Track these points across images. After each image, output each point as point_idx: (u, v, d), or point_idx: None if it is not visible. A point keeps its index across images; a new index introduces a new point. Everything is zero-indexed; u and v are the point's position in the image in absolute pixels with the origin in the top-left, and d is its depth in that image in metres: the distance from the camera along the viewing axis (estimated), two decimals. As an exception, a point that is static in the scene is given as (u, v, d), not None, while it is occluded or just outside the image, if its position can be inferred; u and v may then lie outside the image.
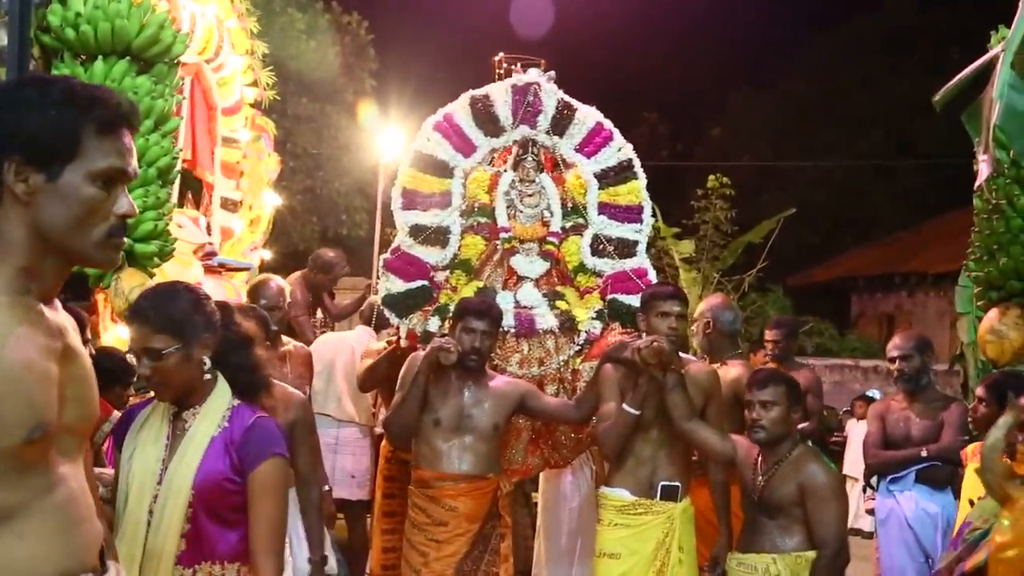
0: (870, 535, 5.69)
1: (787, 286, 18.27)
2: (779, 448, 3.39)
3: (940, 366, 9.38)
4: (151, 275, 4.41)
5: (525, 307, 4.25)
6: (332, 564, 3.40)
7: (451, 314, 3.94)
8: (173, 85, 4.76)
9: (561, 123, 4.48)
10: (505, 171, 4.50)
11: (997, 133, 4.32)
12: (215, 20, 5.61)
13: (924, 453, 4.46)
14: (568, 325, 4.22)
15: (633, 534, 3.63)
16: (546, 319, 4.21)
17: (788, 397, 3.38)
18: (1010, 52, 4.29)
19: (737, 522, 3.69)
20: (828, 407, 11.62)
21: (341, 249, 7.28)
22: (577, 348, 4.21)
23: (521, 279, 4.38)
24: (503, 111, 4.45)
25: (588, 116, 4.52)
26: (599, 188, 4.45)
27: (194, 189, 6.17)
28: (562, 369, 4.20)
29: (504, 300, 4.20)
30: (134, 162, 1.49)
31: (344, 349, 5.22)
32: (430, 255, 4.30)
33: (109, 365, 3.38)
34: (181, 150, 5.18)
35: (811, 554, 3.26)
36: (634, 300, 4.12)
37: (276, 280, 4.50)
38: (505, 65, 4.75)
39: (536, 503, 4.78)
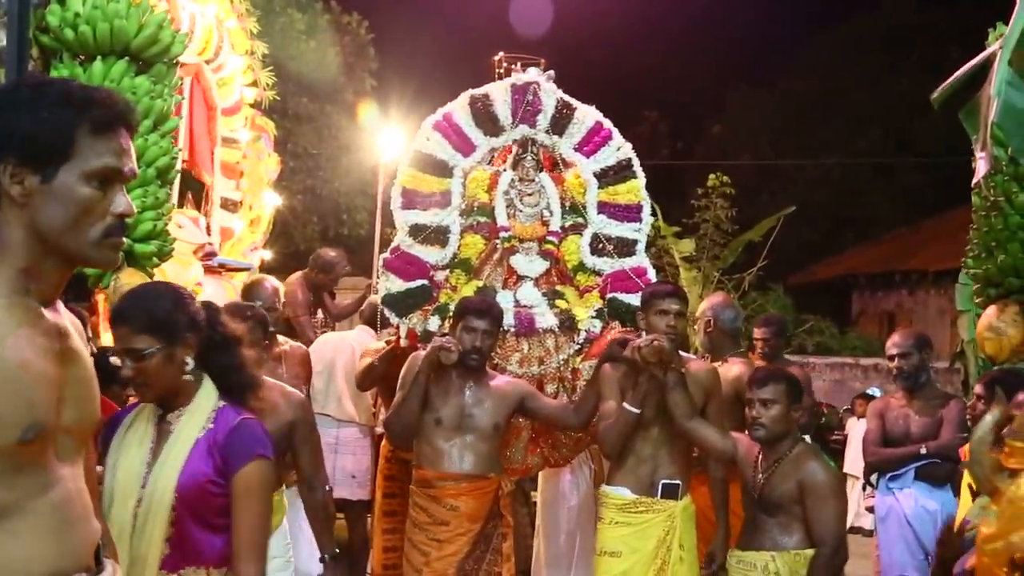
0: (871, 533, 5.69)
1: (787, 285, 18.29)
2: (779, 446, 3.39)
3: (941, 364, 9.38)
4: (151, 275, 4.42)
5: (525, 306, 4.25)
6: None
7: (451, 313, 3.94)
8: (172, 85, 4.77)
9: (560, 122, 4.49)
10: (504, 170, 4.50)
11: (995, 130, 4.31)
12: (215, 20, 5.61)
13: (923, 450, 4.46)
14: (568, 324, 4.22)
15: (634, 532, 3.64)
16: (546, 318, 4.21)
17: (788, 395, 3.38)
18: (1008, 49, 4.27)
19: (737, 520, 3.69)
20: (829, 405, 11.64)
21: (342, 249, 7.28)
22: (577, 347, 4.22)
23: (521, 278, 4.38)
24: (502, 110, 4.45)
25: (587, 115, 4.53)
26: (598, 187, 4.45)
27: (194, 189, 6.18)
28: (562, 368, 4.21)
29: (504, 299, 4.20)
30: (131, 162, 1.49)
31: (344, 349, 5.22)
32: (430, 254, 4.30)
33: (108, 365, 3.38)
34: (180, 150, 5.18)
35: (810, 552, 3.26)
36: (634, 299, 4.13)
37: (270, 280, 4.50)
38: (505, 65, 4.75)
39: (536, 502, 4.78)
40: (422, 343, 4.06)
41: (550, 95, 4.48)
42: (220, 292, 5.14)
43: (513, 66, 4.82)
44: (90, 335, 3.82)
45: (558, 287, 4.38)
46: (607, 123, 4.54)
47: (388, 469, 4.56)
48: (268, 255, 8.51)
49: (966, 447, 3.96)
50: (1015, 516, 2.23)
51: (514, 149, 4.53)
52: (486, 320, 3.73)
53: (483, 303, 3.84)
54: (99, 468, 2.16)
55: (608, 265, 4.37)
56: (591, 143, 4.50)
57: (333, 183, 17.27)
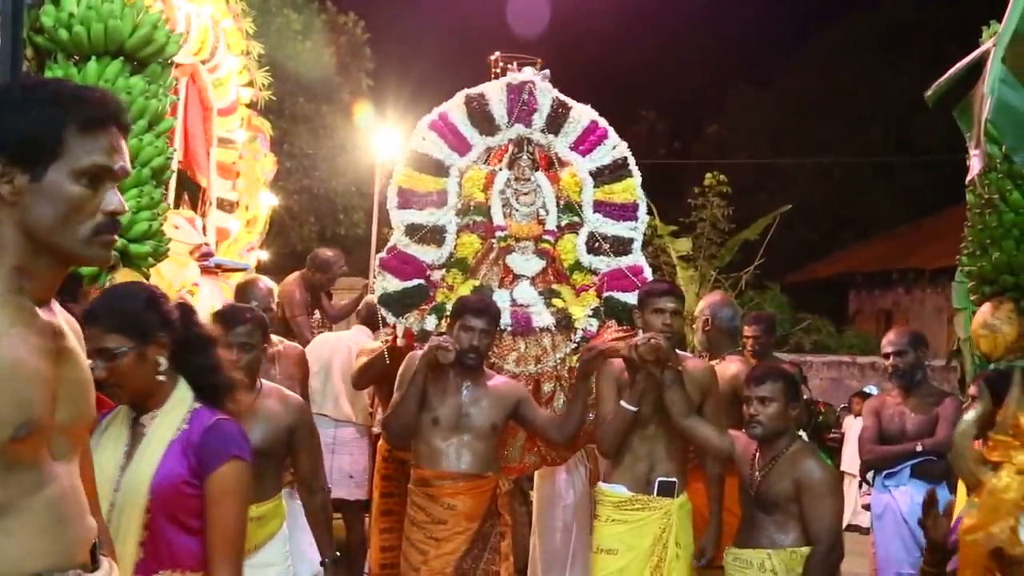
0: (867, 531, 5.70)
1: (785, 283, 18.28)
2: (776, 444, 3.40)
3: (938, 362, 9.41)
4: (146, 276, 4.41)
5: (521, 305, 4.26)
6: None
7: (448, 312, 3.95)
8: (167, 85, 4.76)
9: (556, 121, 4.49)
10: (500, 170, 4.50)
11: (988, 128, 4.32)
12: (210, 21, 5.60)
13: (919, 448, 4.48)
14: (564, 323, 4.23)
15: (630, 530, 3.65)
16: (542, 317, 4.22)
17: (786, 393, 3.39)
18: (1001, 47, 4.28)
19: (733, 519, 3.70)
20: (826, 404, 11.65)
21: (339, 248, 7.28)
22: (574, 346, 4.22)
23: (517, 277, 4.39)
24: (498, 110, 4.46)
25: (583, 114, 4.54)
26: (594, 186, 4.46)
27: (190, 190, 6.16)
28: (559, 367, 4.22)
29: (500, 298, 4.20)
30: (123, 160, 1.49)
31: (341, 349, 5.22)
32: (426, 254, 4.30)
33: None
34: (176, 150, 5.17)
35: (806, 550, 3.27)
36: (630, 298, 4.14)
37: (264, 280, 4.50)
38: (501, 64, 4.74)
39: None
40: (419, 343, 4.06)
41: (546, 94, 4.49)
42: (217, 293, 5.13)
43: (509, 65, 4.82)
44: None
45: (554, 286, 4.39)
46: (602, 122, 4.55)
47: (385, 469, 4.56)
48: (265, 255, 8.50)
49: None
50: (994, 508, 2.26)
51: (510, 148, 4.53)
52: (483, 319, 3.73)
53: (480, 302, 3.84)
54: None
55: (604, 264, 4.37)
56: (587, 142, 4.51)
57: (329, 183, 17.27)
